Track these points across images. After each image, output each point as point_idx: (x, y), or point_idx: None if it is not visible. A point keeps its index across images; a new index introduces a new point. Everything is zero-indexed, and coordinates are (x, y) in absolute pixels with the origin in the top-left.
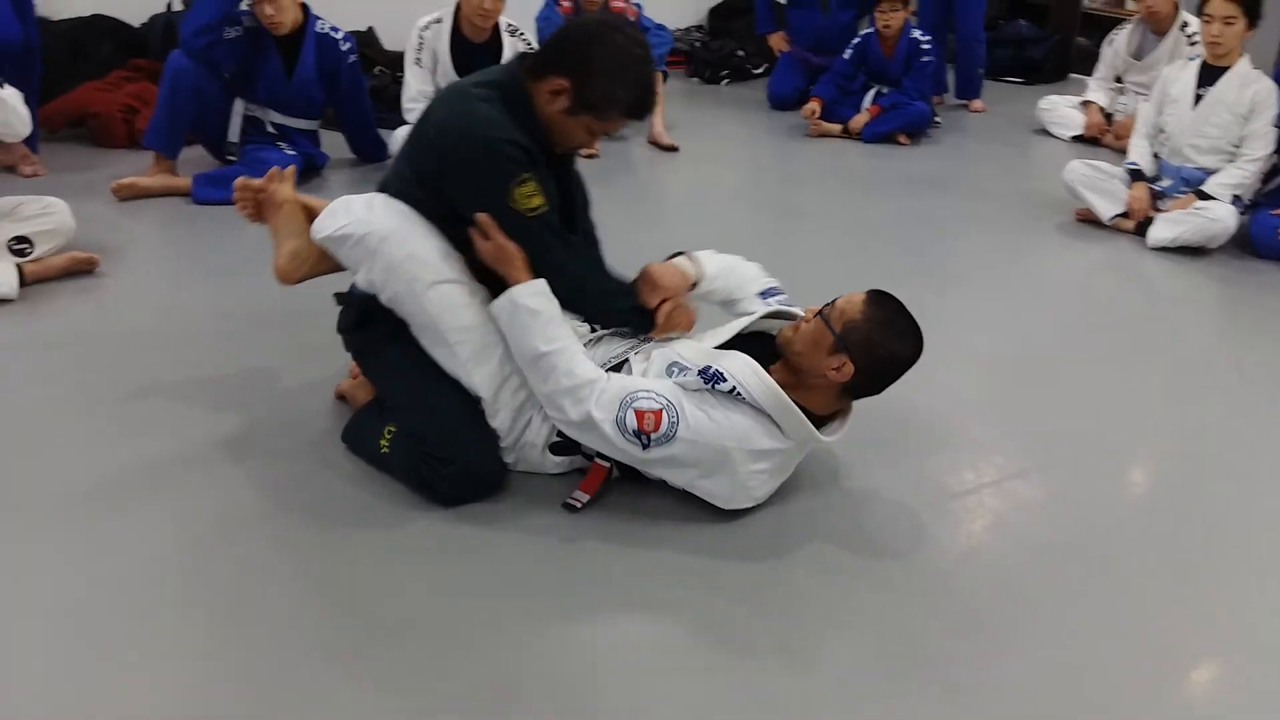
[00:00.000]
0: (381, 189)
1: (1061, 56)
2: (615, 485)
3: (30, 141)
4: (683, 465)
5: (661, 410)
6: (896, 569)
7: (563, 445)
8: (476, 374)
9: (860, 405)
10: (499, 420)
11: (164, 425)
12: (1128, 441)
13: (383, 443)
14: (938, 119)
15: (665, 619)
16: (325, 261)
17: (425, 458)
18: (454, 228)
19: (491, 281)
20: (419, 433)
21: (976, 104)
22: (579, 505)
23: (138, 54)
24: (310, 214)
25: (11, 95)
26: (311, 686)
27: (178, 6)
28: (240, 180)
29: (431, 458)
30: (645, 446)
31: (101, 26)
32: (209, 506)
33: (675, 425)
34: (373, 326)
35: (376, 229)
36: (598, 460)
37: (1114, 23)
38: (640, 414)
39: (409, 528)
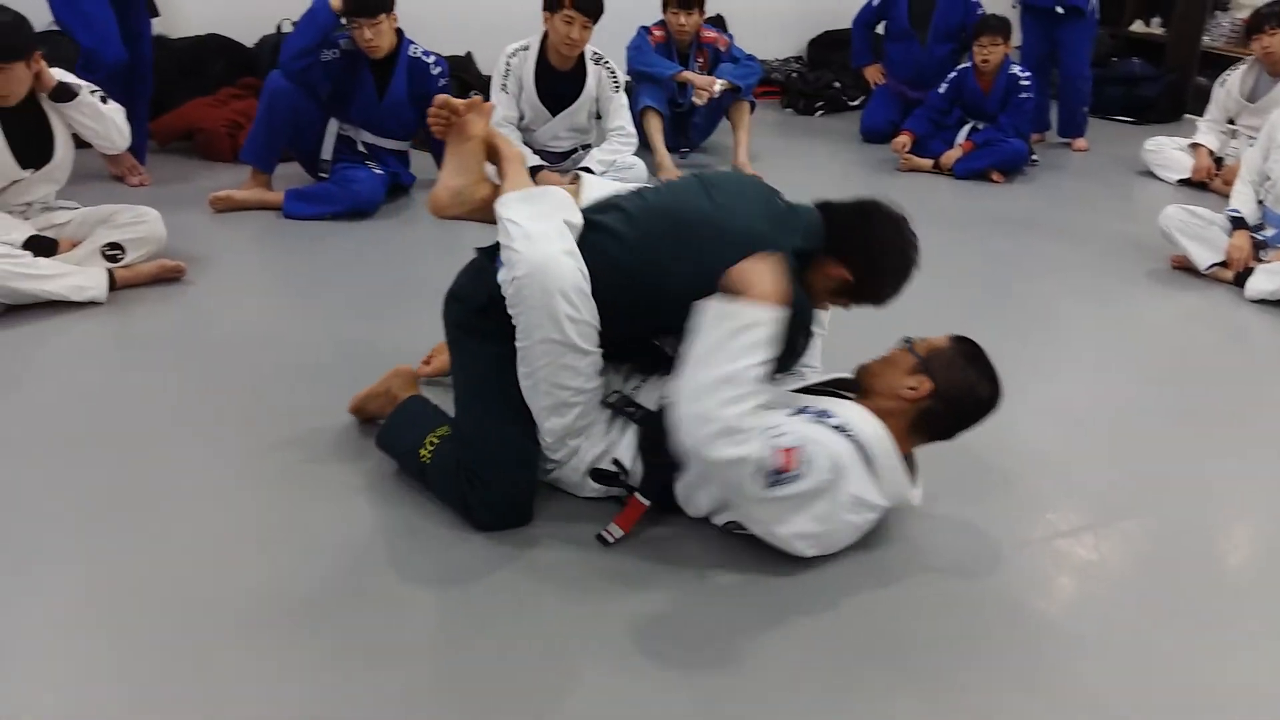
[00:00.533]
0: (585, 233)
1: (1176, 96)
2: (651, 519)
3: (139, 153)
4: (793, 511)
5: (797, 448)
6: (944, 623)
7: (604, 474)
8: (549, 421)
9: (922, 451)
10: (558, 455)
11: (222, 431)
12: (1198, 508)
13: (424, 451)
14: (1035, 157)
15: (696, 666)
16: (481, 212)
17: (469, 475)
18: (623, 321)
19: (616, 352)
20: (470, 440)
21: (1080, 143)
22: (612, 540)
23: (248, 73)
24: (493, 154)
25: (114, 110)
26: (324, 703)
27: (287, 29)
28: (443, 98)
29: (475, 476)
30: (770, 485)
31: (215, 46)
32: (250, 512)
33: (808, 465)
34: (488, 314)
35: (533, 260)
36: (636, 496)
37: (1236, 62)
38: (785, 452)
39: (435, 546)
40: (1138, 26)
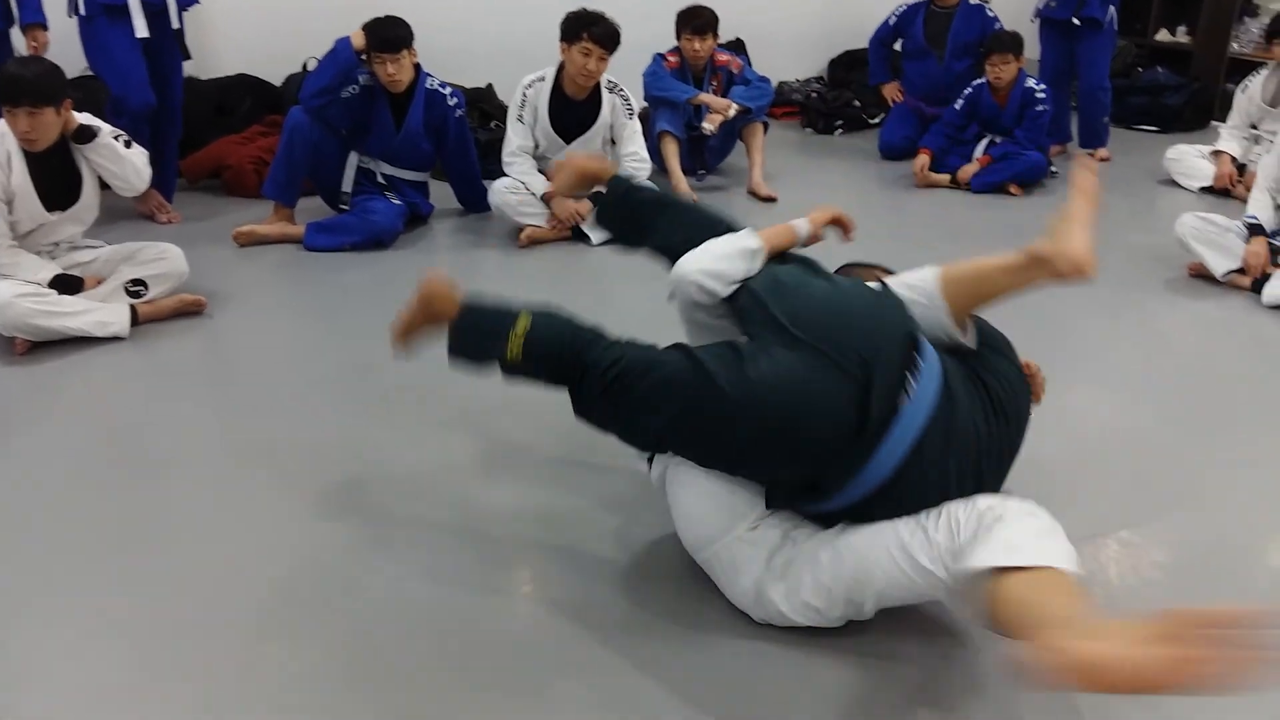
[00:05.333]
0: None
1: (1202, 104)
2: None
3: (167, 191)
4: None
5: None
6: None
7: None
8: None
9: None
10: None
11: (243, 458)
12: (1210, 519)
13: (512, 349)
14: (1054, 169)
15: None
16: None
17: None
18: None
19: None
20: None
21: (1101, 153)
22: None
23: (274, 111)
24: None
25: (135, 153)
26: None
27: (313, 66)
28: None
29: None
30: None
31: (243, 85)
32: (273, 538)
33: None
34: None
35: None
36: None
37: (1259, 67)
38: None
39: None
40: (1163, 35)
